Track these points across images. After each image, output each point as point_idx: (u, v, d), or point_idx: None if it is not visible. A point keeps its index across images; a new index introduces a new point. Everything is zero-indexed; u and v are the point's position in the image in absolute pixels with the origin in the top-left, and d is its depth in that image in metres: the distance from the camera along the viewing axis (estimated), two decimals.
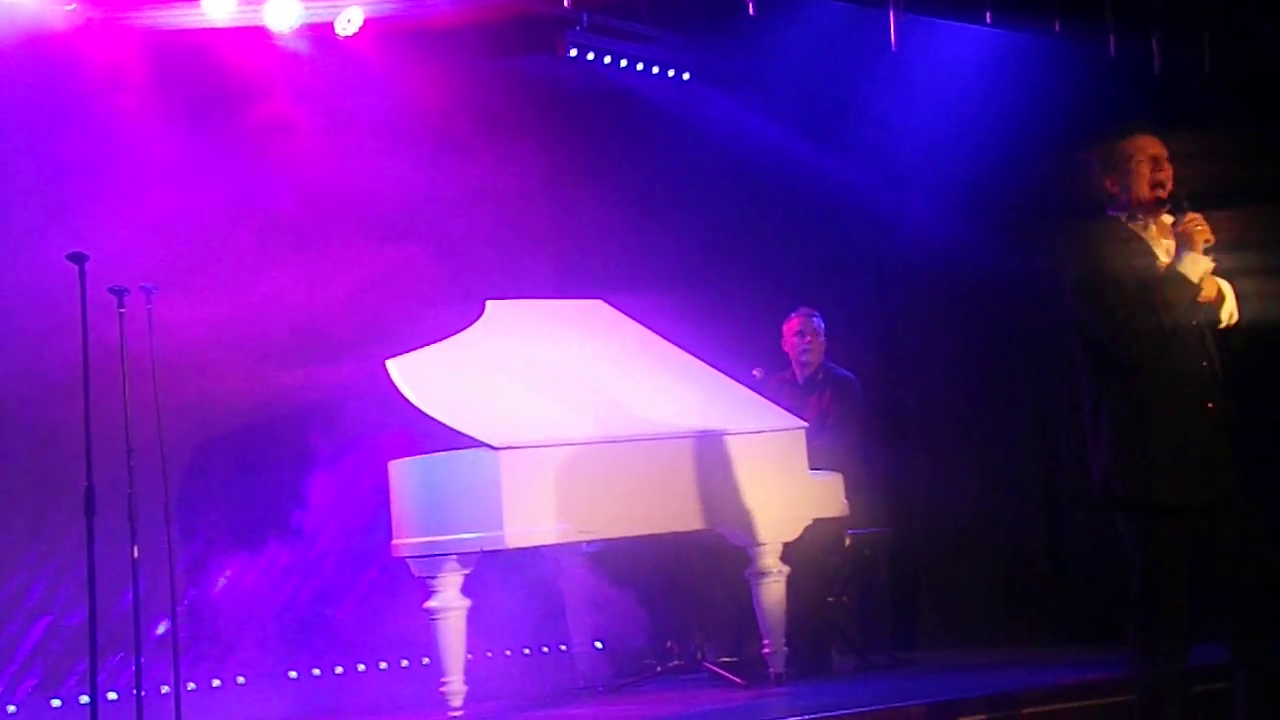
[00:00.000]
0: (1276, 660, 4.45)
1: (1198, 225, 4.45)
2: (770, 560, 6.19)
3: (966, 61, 7.64)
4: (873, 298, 8.16)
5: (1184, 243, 4.45)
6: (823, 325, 7.09)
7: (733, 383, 6.58)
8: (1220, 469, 4.41)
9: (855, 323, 7.91)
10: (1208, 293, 4.42)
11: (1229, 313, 4.49)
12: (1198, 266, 4.43)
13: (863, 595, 7.07)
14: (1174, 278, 4.41)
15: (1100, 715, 5.65)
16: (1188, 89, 7.15)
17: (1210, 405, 4.41)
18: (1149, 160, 4.52)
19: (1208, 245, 4.43)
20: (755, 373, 6.92)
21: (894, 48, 7.15)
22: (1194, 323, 4.43)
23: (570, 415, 6.04)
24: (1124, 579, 4.55)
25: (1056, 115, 7.37)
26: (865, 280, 8.16)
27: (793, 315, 7.11)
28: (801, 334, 7.05)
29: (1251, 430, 4.53)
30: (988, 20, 7.19)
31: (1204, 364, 4.43)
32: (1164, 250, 4.50)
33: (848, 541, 6.87)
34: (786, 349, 7.10)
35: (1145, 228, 4.53)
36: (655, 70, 7.74)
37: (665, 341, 6.65)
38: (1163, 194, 4.50)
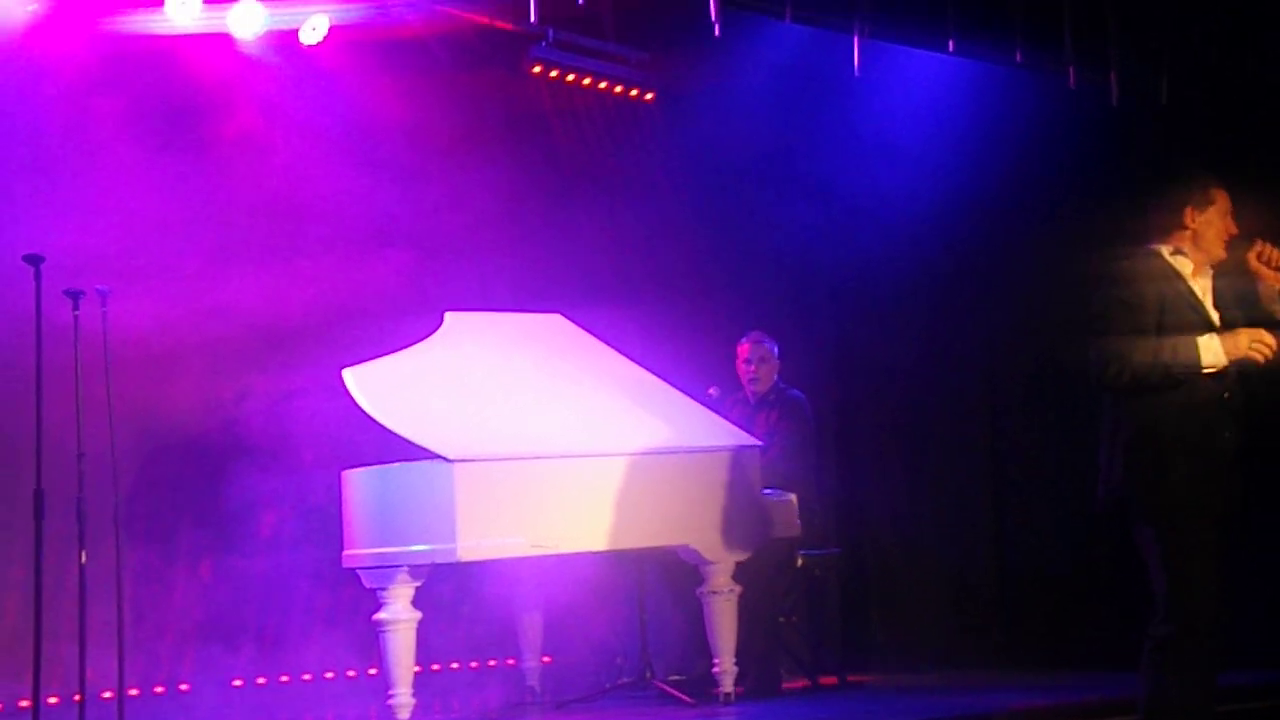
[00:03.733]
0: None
1: (1272, 251, 4.52)
2: (722, 579, 6.21)
3: (929, 89, 7.70)
4: (829, 319, 8.20)
5: (1263, 274, 4.53)
6: (774, 349, 7.10)
7: (689, 400, 6.60)
8: (1228, 498, 4.52)
9: (810, 343, 7.95)
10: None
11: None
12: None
13: (813, 616, 7.09)
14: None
15: None
16: (1145, 121, 7.24)
17: (1227, 436, 4.50)
18: (1228, 214, 4.64)
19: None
20: (711, 391, 6.94)
21: (857, 73, 7.20)
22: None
23: (526, 429, 6.04)
24: (1092, 599, 4.61)
25: (1016, 144, 7.45)
26: (822, 301, 8.21)
27: (744, 340, 7.12)
28: (749, 361, 7.06)
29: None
30: (950, 49, 7.25)
31: (1225, 396, 4.53)
32: (1200, 288, 4.60)
33: (800, 562, 6.89)
34: (740, 371, 7.11)
35: (1187, 269, 4.62)
36: (619, 90, 7.77)
37: (623, 357, 6.66)
38: (1224, 243, 4.62)
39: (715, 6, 6.74)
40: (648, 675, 6.53)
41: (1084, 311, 4.60)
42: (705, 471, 6.20)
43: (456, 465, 5.62)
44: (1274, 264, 4.51)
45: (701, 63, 7.63)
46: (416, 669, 5.85)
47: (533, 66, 7.43)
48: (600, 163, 7.81)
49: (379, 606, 5.80)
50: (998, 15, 7.24)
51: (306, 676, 6.69)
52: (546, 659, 6.81)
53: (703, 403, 6.67)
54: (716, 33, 6.88)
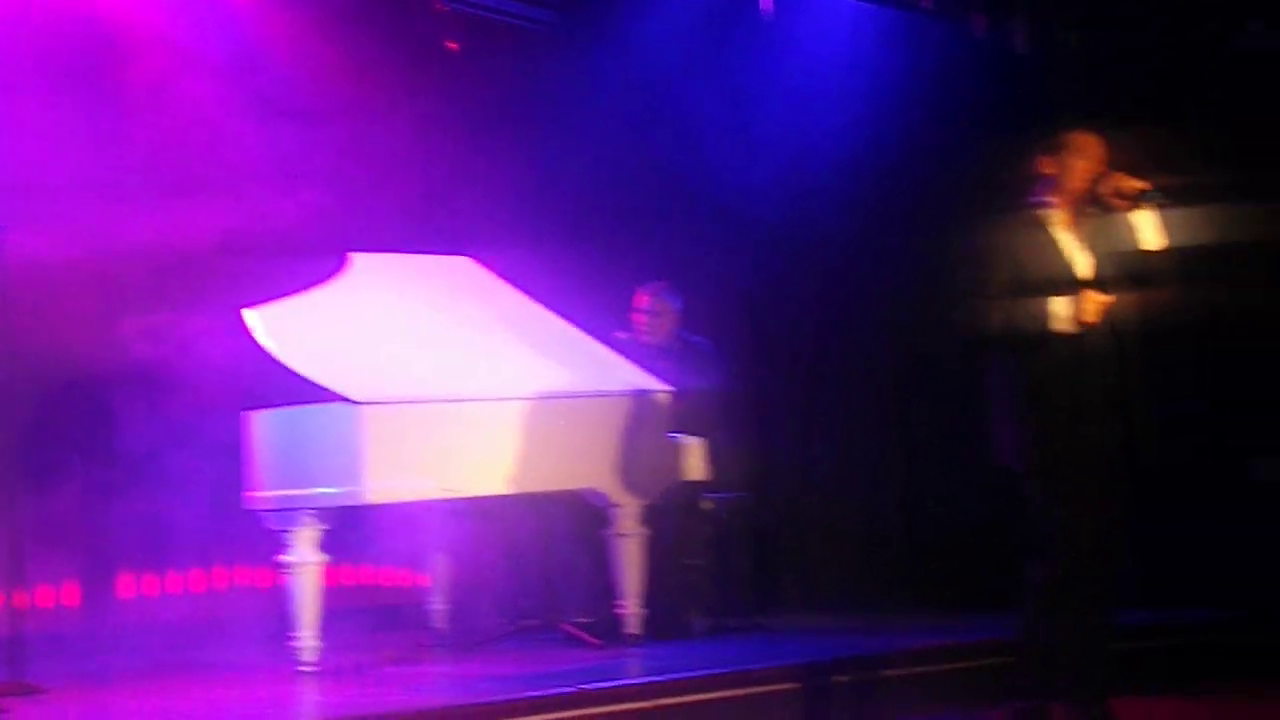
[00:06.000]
0: (1105, 628, 4.65)
1: (1125, 180, 4.53)
2: (629, 522, 6.23)
3: (838, 34, 7.71)
4: (742, 264, 8.21)
5: (1119, 205, 4.54)
6: (677, 304, 7.06)
7: (597, 344, 6.59)
8: (1111, 445, 4.57)
9: (724, 288, 7.95)
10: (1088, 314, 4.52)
11: (1153, 241, 4.56)
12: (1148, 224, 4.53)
13: (721, 559, 7.12)
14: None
15: (962, 678, 5.79)
16: (1052, 70, 7.30)
17: (1098, 387, 4.55)
18: (1091, 157, 4.65)
19: (1144, 192, 4.52)
20: (619, 334, 6.93)
21: (765, 15, 7.17)
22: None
23: (434, 372, 6.00)
24: (998, 543, 4.70)
25: (926, 93, 7.48)
26: (736, 246, 8.21)
27: (645, 290, 7.07)
28: (644, 312, 7.02)
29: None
30: None
31: (1085, 351, 4.54)
32: (1069, 240, 4.63)
33: (709, 505, 6.93)
34: (634, 320, 7.08)
35: (1056, 219, 4.64)
36: (527, 25, 7.67)
37: (531, 301, 6.63)
38: (1089, 187, 4.61)
39: None
40: (555, 617, 6.54)
41: (961, 269, 4.65)
42: (612, 415, 6.20)
43: (365, 408, 5.58)
44: (1126, 194, 4.55)
45: (611, 3, 7.57)
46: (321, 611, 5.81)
47: (438, 1, 7.33)
48: (510, 102, 7.73)
49: (284, 549, 5.75)
50: None
51: (207, 616, 6.63)
52: (453, 601, 6.79)
53: (611, 346, 6.66)
54: None
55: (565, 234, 7.61)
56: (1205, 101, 6.98)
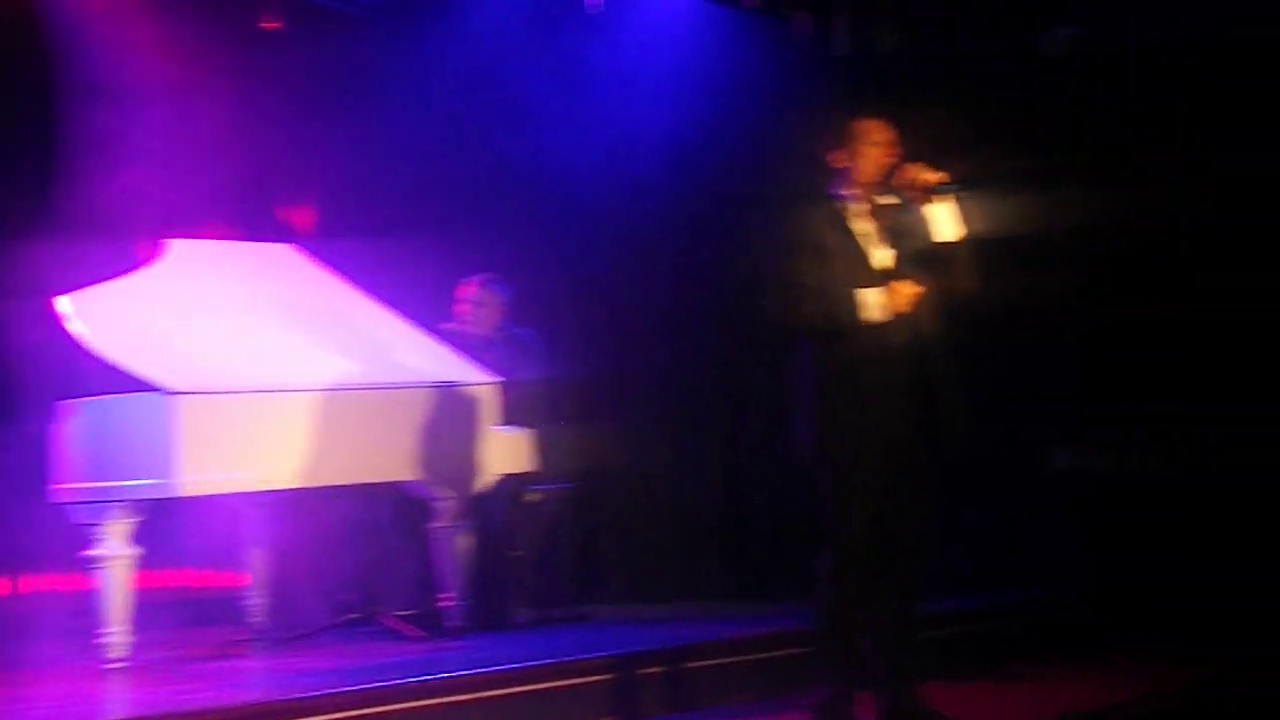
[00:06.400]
0: (912, 617, 4.76)
1: (921, 172, 4.59)
2: (452, 514, 6.20)
3: (666, 27, 7.75)
4: (572, 254, 8.22)
5: (914, 196, 4.61)
6: (504, 296, 7.06)
7: (423, 335, 6.55)
8: (915, 437, 4.64)
9: (554, 280, 7.94)
10: (896, 304, 4.59)
11: (949, 232, 4.64)
12: (946, 216, 4.61)
13: (545, 550, 7.14)
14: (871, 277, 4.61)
15: (778, 666, 5.88)
16: (870, 70, 7.44)
17: (907, 375, 4.62)
18: (879, 143, 4.69)
19: (941, 185, 4.59)
20: (445, 326, 6.89)
21: (591, 10, 7.18)
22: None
23: (252, 362, 5.90)
24: (806, 534, 4.76)
25: (747, 88, 7.56)
26: (566, 238, 8.21)
27: (472, 281, 7.05)
28: (469, 303, 7.01)
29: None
30: None
31: (899, 334, 4.62)
32: (867, 231, 4.69)
33: (538, 497, 6.94)
34: (459, 311, 7.05)
35: (852, 210, 4.70)
36: (353, 9, 7.57)
37: (354, 291, 6.56)
38: (882, 176, 4.67)
39: None
40: (375, 610, 6.49)
41: (771, 260, 4.70)
42: (434, 406, 6.17)
43: (179, 398, 5.45)
44: (921, 185, 4.63)
45: None
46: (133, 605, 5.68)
47: None
48: (337, 87, 7.60)
49: (91, 543, 5.61)
50: None
51: (10, 613, 6.43)
52: (272, 595, 6.69)
53: (435, 337, 6.62)
54: None
55: (392, 222, 7.53)
56: (1010, 99, 7.20)
